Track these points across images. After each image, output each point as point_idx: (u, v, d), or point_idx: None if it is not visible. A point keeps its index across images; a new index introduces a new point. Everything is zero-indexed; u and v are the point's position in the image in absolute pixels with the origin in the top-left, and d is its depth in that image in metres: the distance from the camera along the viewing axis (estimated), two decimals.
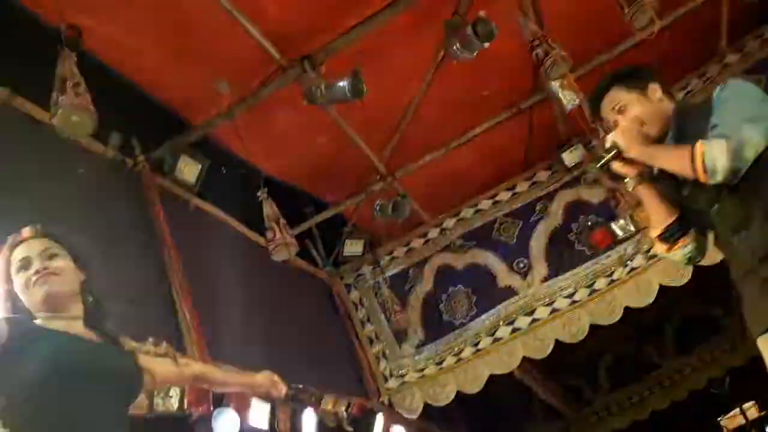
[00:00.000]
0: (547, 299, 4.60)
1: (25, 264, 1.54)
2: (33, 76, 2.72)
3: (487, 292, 4.84)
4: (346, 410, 3.89)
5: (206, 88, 3.52)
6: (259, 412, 3.26)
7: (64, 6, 2.67)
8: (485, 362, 4.71)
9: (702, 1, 3.93)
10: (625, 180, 1.86)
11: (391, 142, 4.31)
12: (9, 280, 1.55)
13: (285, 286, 4.44)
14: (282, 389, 2.05)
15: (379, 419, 4.34)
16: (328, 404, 3.78)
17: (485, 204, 5.01)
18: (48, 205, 2.65)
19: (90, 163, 3.16)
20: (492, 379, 4.72)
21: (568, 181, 4.77)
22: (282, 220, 3.45)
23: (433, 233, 5.10)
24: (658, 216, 1.87)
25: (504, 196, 4.97)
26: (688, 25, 4.06)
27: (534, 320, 4.61)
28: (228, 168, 3.99)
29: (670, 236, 1.86)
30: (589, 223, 4.61)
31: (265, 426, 3.27)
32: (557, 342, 4.57)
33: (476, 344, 4.72)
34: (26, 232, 1.60)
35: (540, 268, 4.73)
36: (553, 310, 4.58)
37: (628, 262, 4.44)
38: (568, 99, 3.38)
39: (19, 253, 1.55)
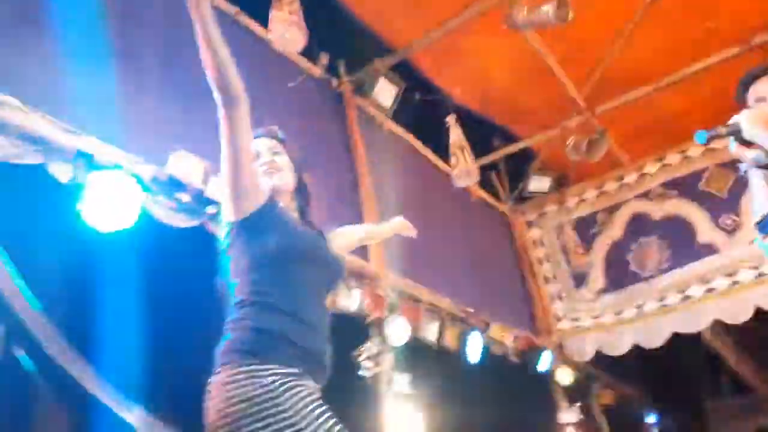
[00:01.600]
0: (754, 262, 4.12)
1: (256, 155, 1.75)
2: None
3: (683, 247, 4.46)
4: (513, 341, 3.93)
5: (408, 10, 3.57)
6: (429, 327, 3.43)
7: None
8: (670, 319, 4.40)
9: None
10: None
11: (594, 74, 4.04)
12: None
13: (465, 214, 4.52)
14: (413, 231, 2.21)
15: (546, 356, 4.32)
16: (495, 332, 3.85)
17: (695, 151, 4.55)
18: (262, 112, 2.95)
19: (301, 80, 3.42)
20: (677, 340, 4.42)
21: None
22: (467, 148, 3.47)
23: (631, 177, 4.78)
24: (761, 204, 1.71)
25: (719, 143, 4.44)
26: None
27: (735, 282, 4.18)
28: (422, 93, 4.07)
29: (766, 225, 1.68)
30: None
31: (433, 339, 3.43)
32: (759, 311, 4.11)
33: (662, 299, 4.42)
34: (260, 130, 1.82)
35: (751, 228, 4.23)
36: (760, 275, 4.10)
37: None
38: None
39: (252, 146, 1.73)
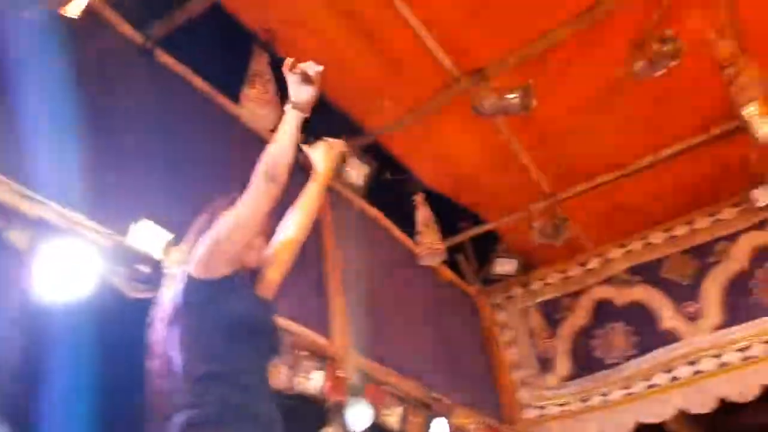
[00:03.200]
0: (716, 351, 4.14)
1: None
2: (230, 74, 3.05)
3: (647, 334, 4.47)
4: (477, 429, 3.81)
5: (380, 93, 3.68)
6: (392, 412, 3.31)
7: (264, 13, 2.97)
8: (635, 408, 4.35)
9: None
10: None
11: (558, 161, 4.17)
12: None
13: (433, 295, 4.49)
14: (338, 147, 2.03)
15: None
16: (459, 418, 3.74)
17: (658, 237, 4.65)
18: (231, 188, 2.94)
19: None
20: (641, 429, 4.35)
21: (757, 222, 4.27)
22: (434, 227, 3.49)
23: (594, 263, 4.84)
24: None
25: (680, 230, 4.58)
26: None
27: (697, 372, 4.17)
28: (391, 173, 4.13)
29: None
30: None
31: (396, 425, 3.31)
32: (724, 403, 4.09)
33: (627, 387, 4.38)
34: None
35: (712, 315, 4.28)
36: (722, 364, 4.11)
37: None
38: (762, 128, 3.05)
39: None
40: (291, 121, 1.67)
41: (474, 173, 4.41)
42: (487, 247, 4.97)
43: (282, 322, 2.88)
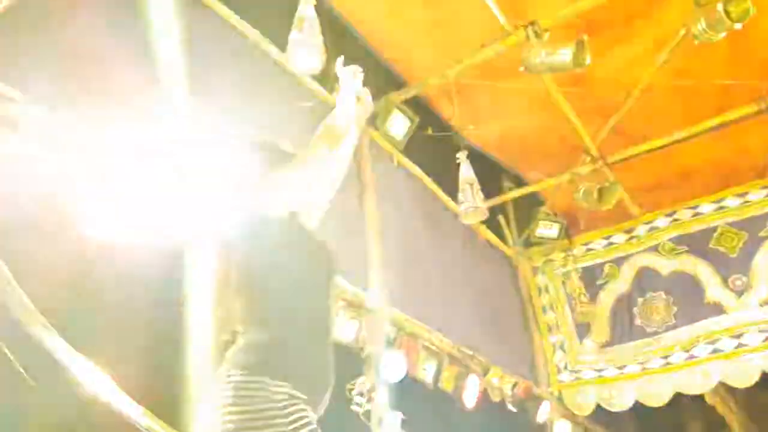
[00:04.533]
0: (762, 325, 4.02)
1: None
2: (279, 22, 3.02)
3: (690, 305, 4.37)
4: (512, 388, 3.82)
5: (425, 44, 3.60)
6: (426, 366, 3.34)
7: None
8: (673, 378, 4.29)
9: None
10: None
11: (609, 122, 4.03)
12: None
13: (471, 254, 4.46)
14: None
15: (545, 408, 4.20)
16: (494, 377, 3.75)
17: (707, 208, 4.50)
18: (272, 132, 2.94)
19: (313, 104, 3.42)
20: (679, 399, 4.30)
21: None
22: (476, 185, 3.44)
23: (640, 230, 4.72)
24: None
25: (731, 202, 4.41)
26: None
27: (740, 345, 4.07)
28: (435, 129, 4.06)
29: None
30: None
31: (429, 379, 3.34)
32: (765, 377, 4.00)
33: (666, 357, 4.31)
34: None
35: (760, 290, 4.15)
36: (767, 339, 3.99)
37: None
38: None
39: None
40: None
41: (520, 133, 4.32)
42: (530, 208, 4.89)
43: None
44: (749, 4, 3.02)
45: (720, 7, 3.03)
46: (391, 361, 3.05)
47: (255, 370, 1.43)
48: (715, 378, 4.14)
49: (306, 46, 2.45)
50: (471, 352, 3.67)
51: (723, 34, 3.10)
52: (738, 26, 3.06)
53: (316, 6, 2.68)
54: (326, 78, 3.32)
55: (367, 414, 2.87)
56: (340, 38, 3.50)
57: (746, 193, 4.37)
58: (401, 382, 3.14)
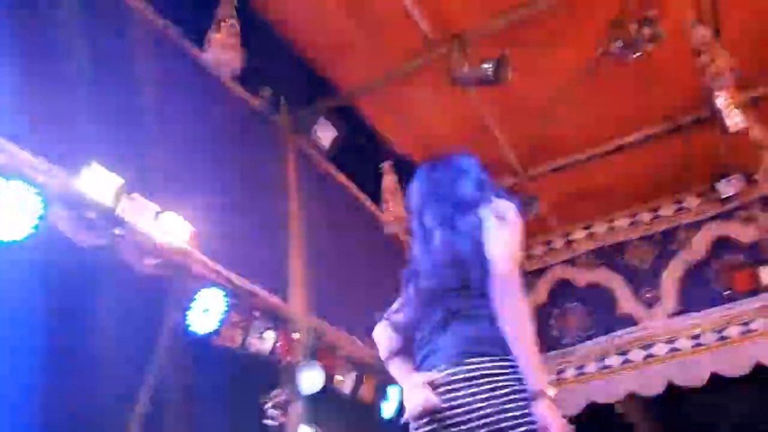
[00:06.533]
0: (669, 336, 4.22)
1: None
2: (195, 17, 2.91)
3: (604, 316, 4.54)
4: None
5: (355, 53, 3.58)
6: (345, 377, 3.29)
7: None
8: (586, 388, 4.42)
9: None
10: None
11: (530, 138, 4.14)
12: None
13: (396, 264, 4.43)
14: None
15: None
16: None
17: (622, 222, 4.69)
18: (195, 134, 2.84)
19: (234, 106, 3.34)
20: (592, 407, 4.43)
21: (718, 213, 4.32)
22: (400, 195, 3.44)
23: (558, 243, 4.87)
24: None
25: (645, 217, 4.62)
26: None
27: (649, 356, 4.25)
28: (362, 137, 4.04)
29: None
30: (733, 263, 4.15)
31: (348, 390, 3.29)
32: (672, 387, 4.18)
33: (580, 367, 4.44)
34: None
35: (668, 302, 4.35)
36: (673, 350, 4.19)
37: None
38: (733, 119, 3.04)
39: None
40: None
41: (445, 144, 4.35)
42: None
43: (238, 281, 2.82)
44: (661, 28, 3.17)
45: (635, 28, 3.17)
46: (309, 372, 2.98)
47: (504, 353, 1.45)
48: (625, 387, 4.30)
49: (224, 46, 2.36)
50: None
51: (637, 54, 3.24)
52: (651, 47, 3.22)
53: (247, 13, 2.61)
54: (247, 79, 3.26)
55: (282, 428, 2.78)
56: (269, 43, 3.45)
57: (658, 208, 4.58)
58: (319, 393, 3.08)
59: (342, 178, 4.06)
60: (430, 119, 4.10)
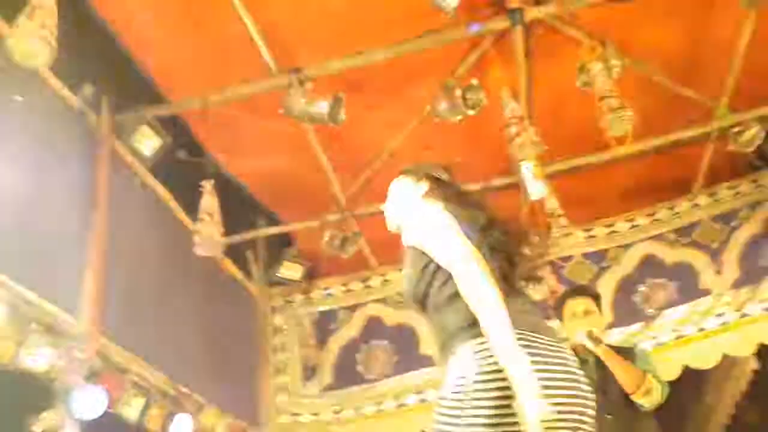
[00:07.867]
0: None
1: None
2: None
3: (408, 355, 4.73)
4: (225, 430, 3.72)
5: (191, 66, 3.49)
6: (132, 402, 3.09)
7: None
8: (385, 425, 4.56)
9: (687, 138, 4.04)
10: None
11: (359, 179, 4.27)
12: None
13: (211, 288, 4.30)
14: None
15: None
16: (208, 417, 3.61)
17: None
18: None
19: (46, 99, 3.08)
20: None
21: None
22: (216, 217, 3.36)
23: (375, 281, 5.03)
24: None
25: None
26: (669, 157, 4.16)
27: (441, 397, 4.49)
28: (189, 153, 3.92)
29: None
30: None
31: (134, 417, 3.10)
32: None
33: (380, 404, 4.58)
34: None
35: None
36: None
37: None
38: (534, 188, 3.39)
39: None
40: None
41: (279, 172, 4.35)
42: (280, 248, 4.92)
43: (16, 289, 2.56)
44: (482, 96, 3.47)
45: (459, 93, 3.44)
46: (88, 395, 2.76)
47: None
48: (421, 426, 4.48)
49: (33, 36, 2.18)
50: (186, 390, 3.50)
51: (459, 117, 3.51)
52: (471, 113, 3.50)
53: (82, 8, 2.43)
54: (66, 73, 3.03)
55: None
56: (101, 43, 3.25)
57: None
58: (101, 418, 2.85)
59: (161, 190, 3.88)
60: (265, 147, 4.09)
